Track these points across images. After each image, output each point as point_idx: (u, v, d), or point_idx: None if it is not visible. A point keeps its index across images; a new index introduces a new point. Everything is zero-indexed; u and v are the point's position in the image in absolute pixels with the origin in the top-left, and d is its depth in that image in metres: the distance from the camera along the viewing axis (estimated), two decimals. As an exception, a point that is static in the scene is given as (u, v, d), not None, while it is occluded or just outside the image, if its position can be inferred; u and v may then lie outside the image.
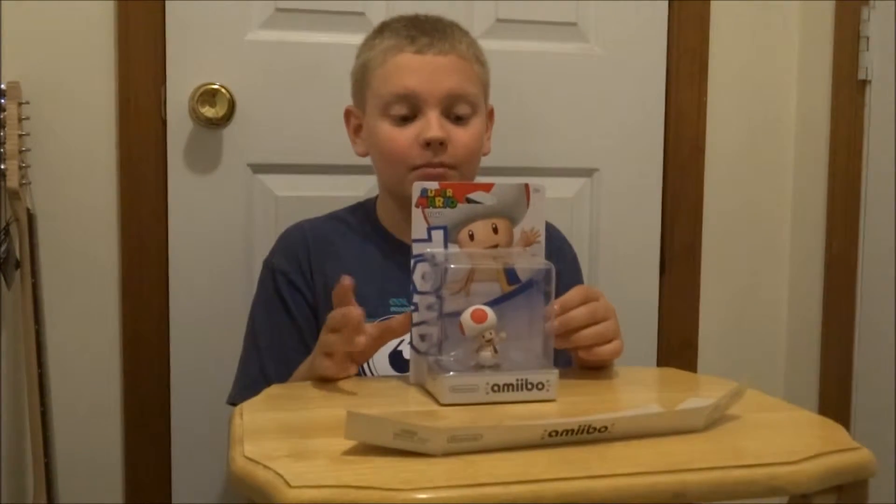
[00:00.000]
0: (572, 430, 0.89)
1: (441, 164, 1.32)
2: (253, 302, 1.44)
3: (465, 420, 0.98)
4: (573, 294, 1.15)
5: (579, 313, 1.14)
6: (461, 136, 1.34)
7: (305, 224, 1.46)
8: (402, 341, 1.30)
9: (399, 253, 1.35)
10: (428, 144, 1.31)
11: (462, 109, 1.35)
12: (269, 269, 1.42)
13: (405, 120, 1.33)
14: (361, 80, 1.40)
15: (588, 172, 1.87)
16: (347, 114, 1.45)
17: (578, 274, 1.51)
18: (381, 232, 1.43)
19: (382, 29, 1.39)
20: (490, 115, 1.45)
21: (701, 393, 1.15)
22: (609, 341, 1.17)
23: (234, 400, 1.38)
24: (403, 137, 1.33)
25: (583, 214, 1.87)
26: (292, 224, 1.48)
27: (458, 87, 1.34)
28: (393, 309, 1.34)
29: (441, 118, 1.32)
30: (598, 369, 1.22)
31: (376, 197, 1.47)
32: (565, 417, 0.91)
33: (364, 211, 1.47)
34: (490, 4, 1.79)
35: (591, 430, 0.90)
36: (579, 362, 1.22)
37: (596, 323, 1.16)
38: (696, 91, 1.89)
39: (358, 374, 1.32)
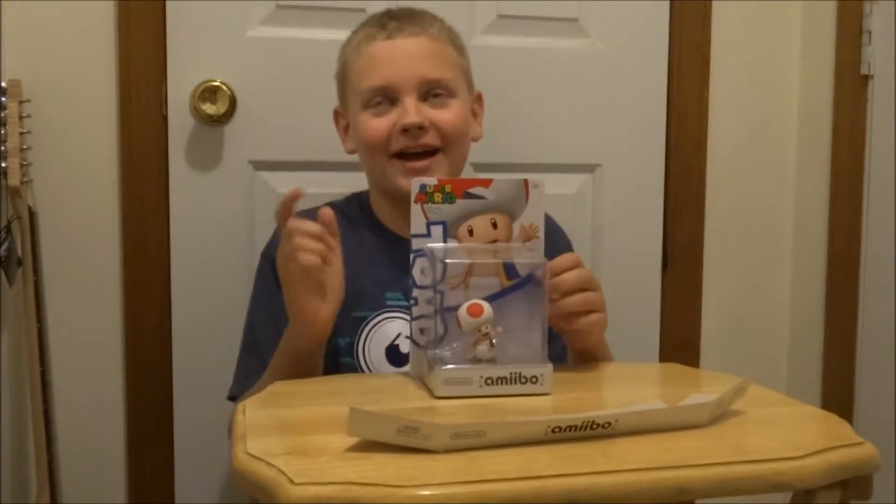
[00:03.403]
0: (575, 427, 0.89)
1: (425, 147, 1.33)
2: (252, 294, 1.44)
3: (467, 416, 0.98)
4: (564, 258, 1.16)
5: (570, 276, 1.15)
6: (442, 116, 1.34)
7: (303, 213, 1.45)
8: (398, 335, 1.30)
9: (395, 246, 1.35)
10: (406, 130, 1.32)
11: (439, 93, 1.35)
12: (269, 259, 1.40)
13: (384, 109, 1.34)
14: (343, 77, 1.42)
15: (590, 168, 1.87)
16: (336, 115, 1.46)
17: None
18: (377, 225, 1.42)
19: (359, 27, 1.41)
20: (479, 100, 1.45)
21: (704, 389, 1.15)
22: (595, 312, 1.18)
23: (235, 393, 1.38)
24: (382, 125, 1.34)
25: (585, 211, 1.87)
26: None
27: (432, 71, 1.34)
28: (389, 303, 1.35)
29: (419, 103, 1.33)
30: (592, 361, 1.23)
31: (369, 190, 1.47)
32: (568, 413, 0.90)
33: (359, 202, 1.47)
34: (492, 1, 1.78)
35: (594, 427, 0.90)
36: (569, 341, 1.22)
37: (584, 290, 1.16)
38: (698, 86, 1.89)
39: (354, 370, 1.32)
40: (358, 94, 1.36)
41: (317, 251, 1.14)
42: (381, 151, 1.35)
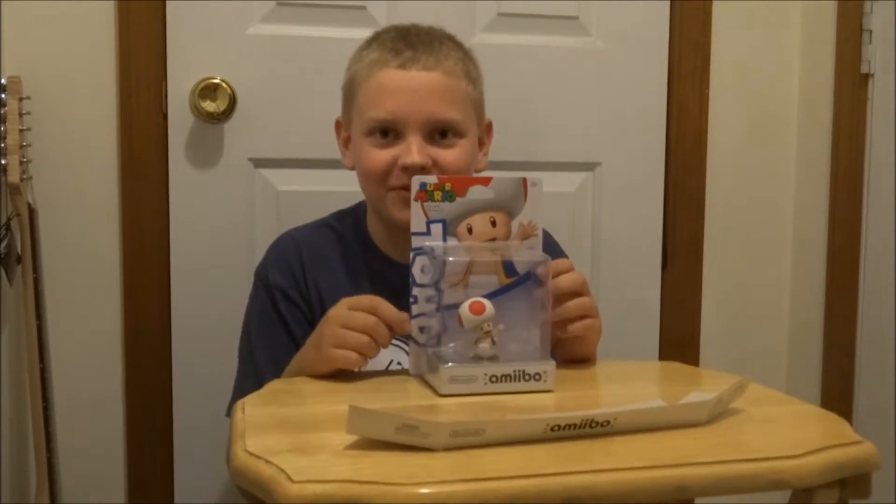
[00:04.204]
0: (575, 425, 0.89)
1: None
2: (246, 314, 1.41)
3: (467, 414, 0.98)
4: (559, 262, 1.15)
5: (565, 280, 1.14)
6: (446, 157, 1.30)
7: (297, 235, 1.43)
8: (391, 362, 1.29)
9: (387, 271, 1.34)
10: (406, 169, 1.27)
11: (445, 133, 1.31)
12: (264, 284, 1.39)
13: (387, 141, 1.30)
14: (349, 93, 1.37)
15: (590, 167, 1.87)
16: (337, 125, 1.42)
17: None
18: (371, 247, 1.39)
19: (372, 40, 1.36)
20: (488, 129, 1.42)
21: (703, 387, 1.15)
22: (590, 317, 1.17)
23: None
24: (383, 158, 1.29)
25: (584, 209, 1.87)
26: (282, 234, 1.45)
27: (441, 112, 1.29)
28: None
29: (422, 143, 1.28)
30: (584, 362, 1.22)
31: (365, 204, 1.44)
32: (568, 411, 0.90)
33: (353, 219, 1.43)
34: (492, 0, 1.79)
35: (593, 425, 0.90)
36: (564, 352, 1.20)
37: (579, 295, 1.16)
38: (698, 85, 1.89)
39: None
40: (362, 120, 1.32)
41: (364, 352, 1.13)
42: (381, 184, 1.31)
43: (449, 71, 1.31)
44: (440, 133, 1.30)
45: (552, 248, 1.41)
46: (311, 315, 1.36)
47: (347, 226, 1.43)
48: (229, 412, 1.36)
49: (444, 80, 1.30)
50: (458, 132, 1.31)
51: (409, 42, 1.31)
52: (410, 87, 1.29)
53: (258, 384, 1.31)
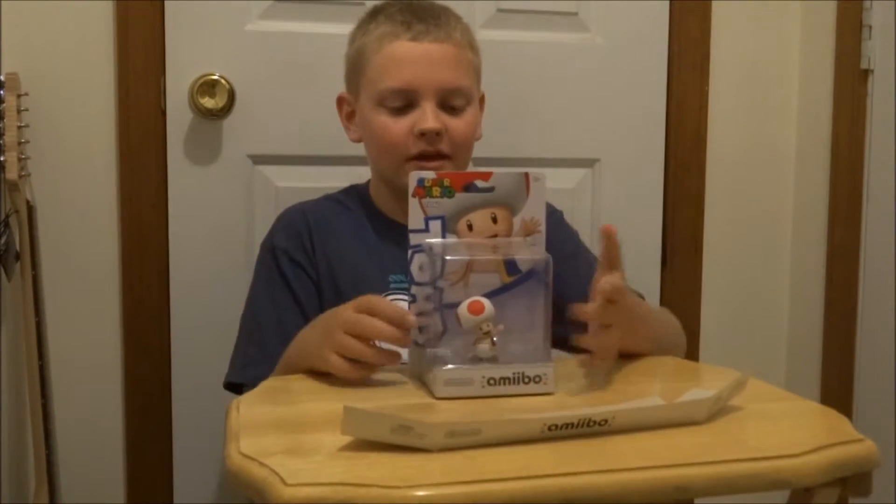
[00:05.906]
0: (572, 424, 0.88)
1: (438, 154, 1.33)
2: (252, 282, 1.42)
3: (463, 414, 0.97)
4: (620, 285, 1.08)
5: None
6: (456, 126, 1.34)
7: (303, 205, 1.46)
8: None
9: (396, 232, 1.33)
10: (423, 135, 1.32)
11: (456, 101, 1.35)
12: (269, 248, 1.40)
13: (400, 110, 1.34)
14: (356, 66, 1.39)
15: (589, 163, 1.86)
16: (340, 100, 1.44)
17: (580, 245, 1.50)
18: (376, 212, 1.42)
19: (376, 13, 1.39)
20: (481, 100, 1.45)
21: (702, 383, 1.15)
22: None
23: (233, 379, 1.35)
24: (399, 128, 1.33)
25: (584, 206, 1.86)
26: (288, 207, 1.47)
27: (454, 80, 1.34)
28: (393, 286, 1.34)
29: (436, 109, 1.33)
30: (631, 357, 1.21)
31: (368, 181, 1.47)
32: (565, 410, 0.90)
33: (357, 192, 1.47)
34: (491, -4, 1.78)
35: (591, 424, 0.89)
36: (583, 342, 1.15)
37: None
38: (697, 81, 1.88)
39: None
40: (374, 91, 1.35)
41: (368, 370, 1.11)
42: (397, 155, 1.34)
43: (457, 42, 1.37)
44: (451, 102, 1.35)
45: (561, 229, 1.41)
46: (319, 279, 1.37)
47: (353, 198, 1.46)
48: (228, 378, 1.36)
49: (454, 50, 1.36)
50: (467, 99, 1.36)
51: (418, 15, 1.36)
52: (424, 57, 1.33)
53: (261, 347, 1.32)
